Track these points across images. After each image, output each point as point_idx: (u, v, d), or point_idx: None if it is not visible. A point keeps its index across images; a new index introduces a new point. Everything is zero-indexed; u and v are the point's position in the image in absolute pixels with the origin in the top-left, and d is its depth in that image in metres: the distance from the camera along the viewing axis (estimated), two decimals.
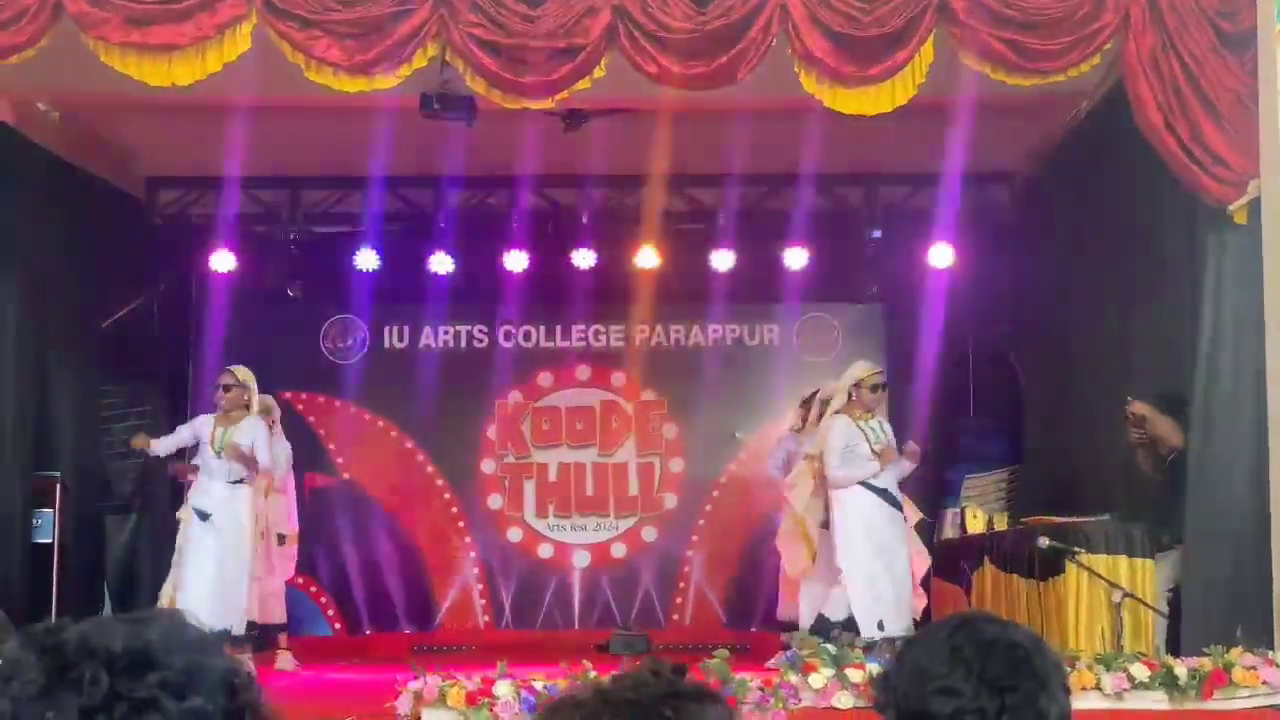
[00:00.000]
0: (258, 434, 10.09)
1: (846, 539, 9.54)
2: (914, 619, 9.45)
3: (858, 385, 9.75)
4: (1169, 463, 8.93)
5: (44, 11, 7.99)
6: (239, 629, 9.65)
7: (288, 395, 13.58)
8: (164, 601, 9.85)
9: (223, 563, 9.82)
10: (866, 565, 9.44)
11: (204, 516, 9.87)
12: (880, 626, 9.18)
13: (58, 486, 10.86)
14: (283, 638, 11.16)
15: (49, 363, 11.03)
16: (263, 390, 10.66)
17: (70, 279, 11.22)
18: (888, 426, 9.84)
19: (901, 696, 2.31)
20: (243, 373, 10.23)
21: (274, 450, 10.50)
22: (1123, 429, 9.30)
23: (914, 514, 9.91)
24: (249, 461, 9.98)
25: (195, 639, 1.74)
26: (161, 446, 10.36)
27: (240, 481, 9.99)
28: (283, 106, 10.21)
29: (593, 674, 7.33)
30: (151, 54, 8.09)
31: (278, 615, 11.01)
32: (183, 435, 10.37)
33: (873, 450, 9.57)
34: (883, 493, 9.58)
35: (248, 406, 10.17)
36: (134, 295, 12.78)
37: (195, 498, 10.00)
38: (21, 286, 10.43)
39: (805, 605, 9.94)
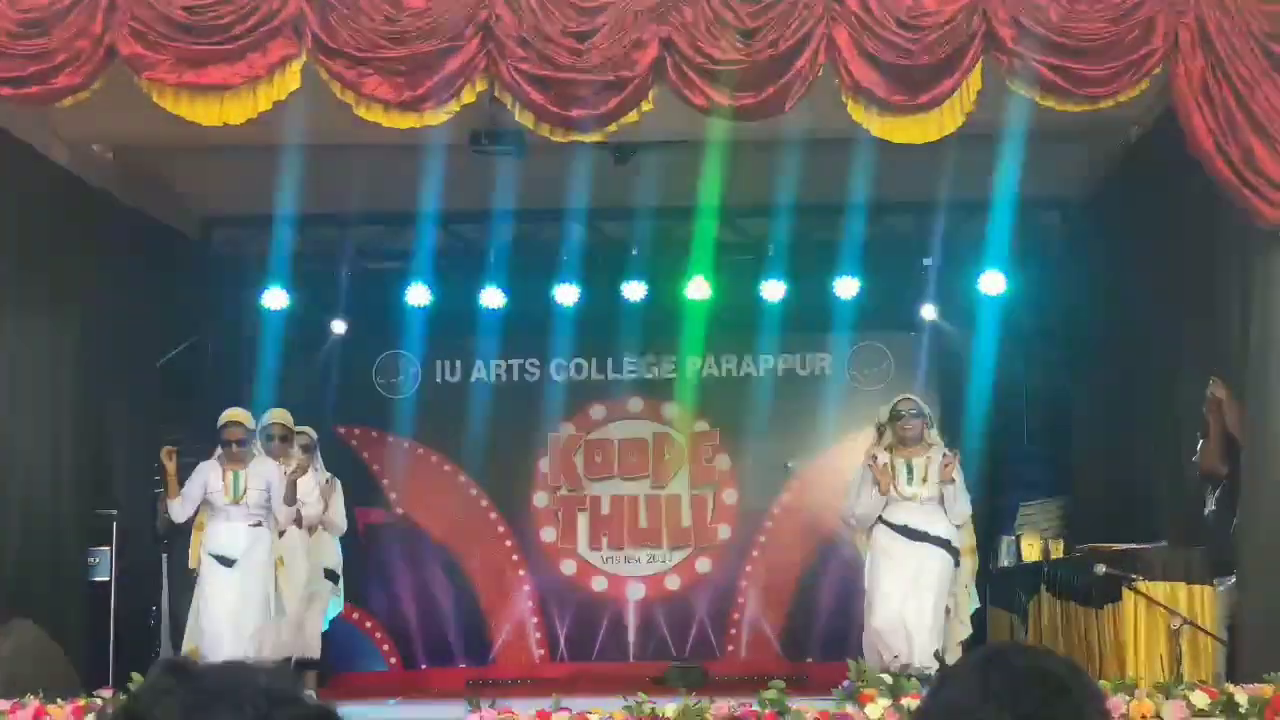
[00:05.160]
0: (272, 476, 9.68)
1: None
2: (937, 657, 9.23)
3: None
4: (1218, 490, 8.87)
5: (97, 54, 8.08)
6: None
7: (341, 430, 13.67)
8: (187, 649, 9.57)
9: (244, 608, 9.40)
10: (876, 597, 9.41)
11: (227, 563, 9.45)
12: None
13: (114, 525, 10.92)
14: (310, 675, 10.55)
15: (106, 401, 11.11)
16: (314, 425, 10.73)
17: (126, 318, 11.30)
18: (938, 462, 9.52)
19: None
20: (247, 418, 9.82)
21: (316, 483, 10.44)
22: (1176, 442, 9.25)
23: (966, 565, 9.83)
24: (290, 499, 9.64)
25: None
26: (181, 513, 9.73)
27: (260, 524, 9.59)
28: (333, 144, 10.29)
29: (648, 706, 7.33)
30: (204, 94, 8.18)
31: (311, 650, 10.67)
32: (194, 494, 9.66)
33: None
34: (901, 529, 9.42)
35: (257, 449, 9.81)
36: (189, 333, 12.88)
37: (213, 544, 9.55)
38: (78, 326, 10.52)
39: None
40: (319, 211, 12.48)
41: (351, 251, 13.25)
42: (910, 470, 9.43)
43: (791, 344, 13.89)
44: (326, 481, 10.81)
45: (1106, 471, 11.73)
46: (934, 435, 9.73)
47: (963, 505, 9.53)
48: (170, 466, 9.71)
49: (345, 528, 11.22)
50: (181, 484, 9.70)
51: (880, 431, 9.68)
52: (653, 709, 7.45)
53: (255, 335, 13.24)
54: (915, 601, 9.15)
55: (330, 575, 11.07)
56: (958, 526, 9.54)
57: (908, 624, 9.07)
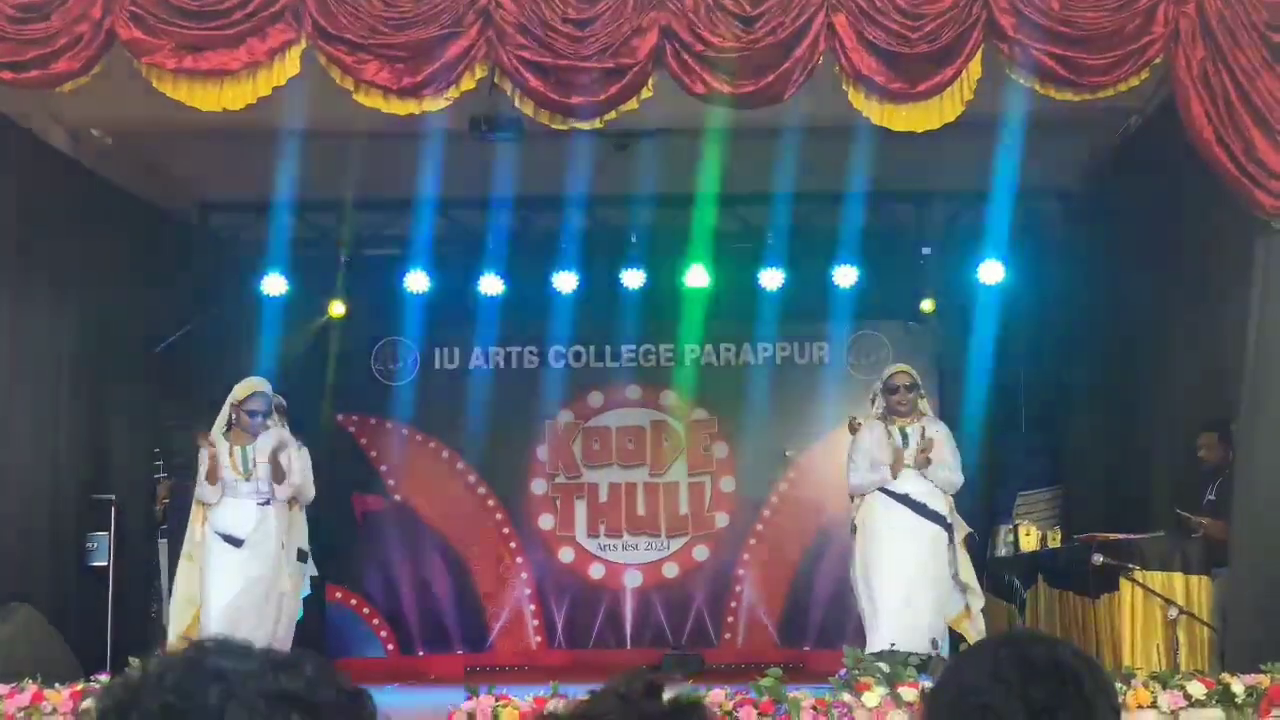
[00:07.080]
0: (285, 442, 9.56)
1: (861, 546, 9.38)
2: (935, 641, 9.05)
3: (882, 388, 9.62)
4: (1219, 480, 8.89)
5: (97, 39, 8.08)
6: None
7: (339, 417, 13.67)
8: (177, 630, 9.29)
9: (252, 590, 9.25)
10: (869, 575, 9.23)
11: (235, 543, 9.29)
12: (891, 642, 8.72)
13: (113, 509, 10.91)
14: None
15: (104, 386, 11.10)
16: (313, 411, 10.66)
17: (124, 302, 11.29)
18: (930, 431, 9.44)
19: (944, 713, 2.28)
20: (266, 386, 9.68)
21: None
22: (1173, 432, 9.25)
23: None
24: (281, 474, 9.43)
25: (344, 685, 1.75)
26: (214, 494, 9.43)
27: (268, 502, 9.43)
28: (332, 130, 10.27)
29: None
30: (203, 79, 8.17)
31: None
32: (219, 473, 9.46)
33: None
34: (902, 499, 9.26)
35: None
36: (188, 318, 12.86)
37: (220, 522, 9.34)
38: (76, 311, 10.52)
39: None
40: (318, 197, 12.47)
41: (350, 238, 13.22)
42: (905, 436, 9.36)
43: (790, 332, 13.88)
44: (299, 449, 10.69)
45: (1104, 461, 11.73)
46: (926, 406, 9.67)
47: (953, 473, 9.35)
48: (209, 451, 9.46)
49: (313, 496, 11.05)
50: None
51: (874, 400, 9.63)
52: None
53: (253, 321, 13.21)
54: (919, 587, 9.06)
55: (300, 555, 10.86)
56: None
57: (911, 611, 9.00)
